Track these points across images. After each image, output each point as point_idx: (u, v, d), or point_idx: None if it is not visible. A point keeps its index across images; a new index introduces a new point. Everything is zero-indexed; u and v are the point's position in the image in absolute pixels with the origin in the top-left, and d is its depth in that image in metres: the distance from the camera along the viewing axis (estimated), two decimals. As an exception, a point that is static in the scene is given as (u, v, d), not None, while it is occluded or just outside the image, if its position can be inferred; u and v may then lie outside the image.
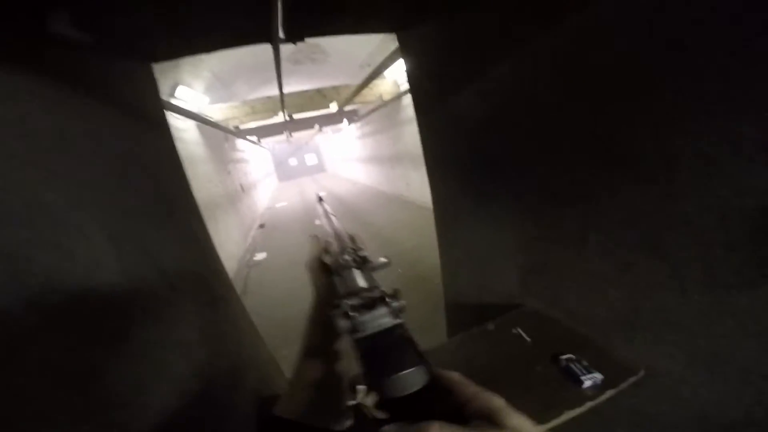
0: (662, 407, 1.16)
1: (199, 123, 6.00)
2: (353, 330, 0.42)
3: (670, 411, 1.15)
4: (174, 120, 4.64)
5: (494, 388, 1.05)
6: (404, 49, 2.29)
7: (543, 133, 1.36)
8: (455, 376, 0.41)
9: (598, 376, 1.16)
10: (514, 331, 1.48)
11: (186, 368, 1.34)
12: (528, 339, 1.41)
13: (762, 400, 0.92)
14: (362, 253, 0.62)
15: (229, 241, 6.69)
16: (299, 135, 16.27)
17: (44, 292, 0.83)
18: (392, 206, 9.62)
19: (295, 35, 1.91)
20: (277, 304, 4.95)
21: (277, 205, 14.47)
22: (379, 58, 4.45)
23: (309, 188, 18.88)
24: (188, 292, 1.57)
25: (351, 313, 0.43)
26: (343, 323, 0.43)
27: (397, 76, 7.11)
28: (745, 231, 0.84)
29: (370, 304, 0.44)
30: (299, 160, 29.20)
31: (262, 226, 10.24)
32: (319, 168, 29.35)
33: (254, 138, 11.71)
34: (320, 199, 1.05)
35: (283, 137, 14.56)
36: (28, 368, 0.77)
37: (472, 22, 1.58)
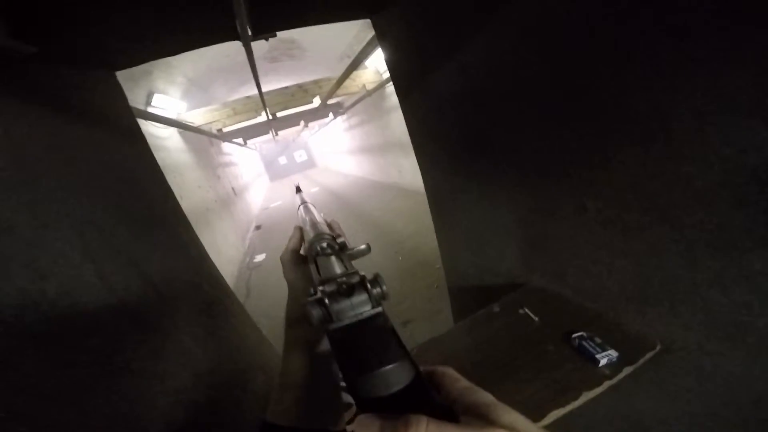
0: (685, 381, 1.12)
1: (181, 130, 5.92)
2: (327, 320, 0.37)
3: (693, 385, 1.10)
4: (153, 129, 4.57)
5: (507, 372, 1.02)
6: (380, 33, 2.22)
7: (529, 104, 1.30)
8: (447, 370, 0.37)
9: (613, 353, 1.11)
10: (521, 311, 1.43)
11: (187, 377, 1.31)
12: (536, 318, 1.37)
13: (789, 373, 0.87)
14: (340, 240, 0.58)
15: (227, 246, 6.65)
16: (285, 133, 16.14)
17: (19, 314, 0.79)
18: (386, 195, 9.57)
19: (263, 29, 1.85)
20: (282, 304, 4.90)
21: (272, 205, 14.40)
22: (358, 48, 4.39)
23: (301, 185, 18.70)
24: (181, 299, 1.53)
25: (325, 301, 0.37)
26: (315, 312, 0.37)
27: (378, 64, 7.01)
28: (752, 189, 0.79)
29: (347, 291, 0.38)
30: (288, 158, 28.99)
31: (258, 227, 10.19)
32: (310, 164, 29.14)
33: (240, 140, 11.59)
34: (298, 189, 1.04)
35: (269, 137, 14.47)
36: (11, 389, 0.73)
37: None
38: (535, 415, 1.01)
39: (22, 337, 0.79)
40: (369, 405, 0.31)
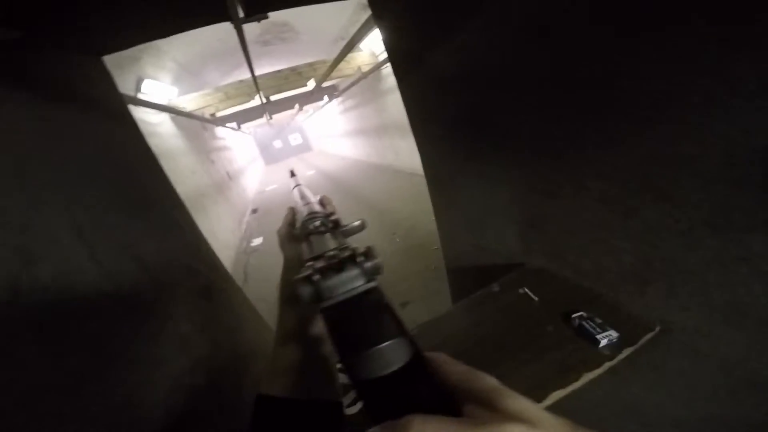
0: (682, 363, 1.12)
1: (173, 115, 5.87)
2: (318, 297, 0.35)
3: (690, 367, 1.10)
4: (144, 115, 4.52)
5: (507, 353, 1.02)
6: (377, 13, 2.18)
7: (531, 85, 1.28)
8: (439, 355, 0.34)
9: (613, 334, 1.10)
10: (520, 291, 1.43)
11: (186, 362, 1.30)
12: (535, 298, 1.37)
13: (786, 354, 0.87)
14: (333, 218, 0.56)
15: (223, 230, 6.63)
16: (279, 116, 16.05)
17: (12, 300, 0.77)
18: (383, 177, 9.55)
19: (256, 9, 1.81)
20: None
21: (268, 189, 14.36)
22: (353, 30, 4.33)
23: (296, 168, 18.69)
24: (178, 284, 1.52)
25: (314, 277, 0.35)
26: (305, 290, 0.35)
27: (374, 46, 6.93)
28: (755, 170, 0.78)
29: (337, 266, 0.36)
30: (283, 141, 28.82)
31: (254, 211, 10.17)
32: (305, 147, 28.98)
33: (234, 124, 11.51)
34: (292, 174, 1.04)
35: (263, 120, 14.38)
36: (6, 377, 0.72)
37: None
38: (536, 396, 1.01)
39: (15, 323, 0.77)
40: (366, 386, 0.30)
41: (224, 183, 8.76)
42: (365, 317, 0.33)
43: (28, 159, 1.01)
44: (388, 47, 2.21)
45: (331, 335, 0.34)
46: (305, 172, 15.31)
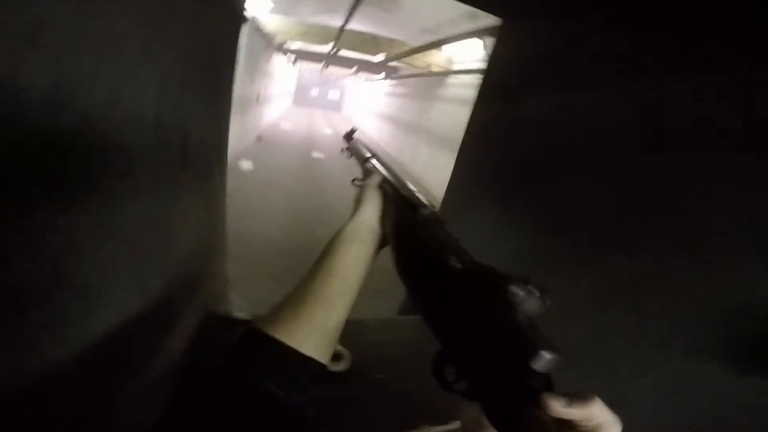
0: None
1: (252, 26, 5.82)
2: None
3: None
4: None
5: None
6: (503, 35, 2.11)
7: (607, 177, 1.27)
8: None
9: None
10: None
11: (163, 259, 1.21)
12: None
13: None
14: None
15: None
16: (333, 70, 15.97)
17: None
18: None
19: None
20: (263, 229, 4.73)
21: (282, 124, 14.20)
22: (447, 30, 4.37)
23: (319, 119, 19.15)
24: (201, 173, 1.46)
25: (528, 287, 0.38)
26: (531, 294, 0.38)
27: (453, 53, 6.96)
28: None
29: (525, 279, 0.39)
30: (321, 92, 28.71)
31: (260, 138, 9.95)
32: (336, 106, 28.87)
33: (292, 57, 11.45)
34: (350, 136, 0.95)
35: (318, 66, 14.32)
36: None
37: (586, 40, 1.44)
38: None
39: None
40: (533, 374, 0.34)
41: (250, 103, 8.64)
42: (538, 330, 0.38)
43: (147, 22, 0.96)
44: (491, 67, 2.20)
45: (518, 322, 0.37)
46: (323, 129, 15.24)
